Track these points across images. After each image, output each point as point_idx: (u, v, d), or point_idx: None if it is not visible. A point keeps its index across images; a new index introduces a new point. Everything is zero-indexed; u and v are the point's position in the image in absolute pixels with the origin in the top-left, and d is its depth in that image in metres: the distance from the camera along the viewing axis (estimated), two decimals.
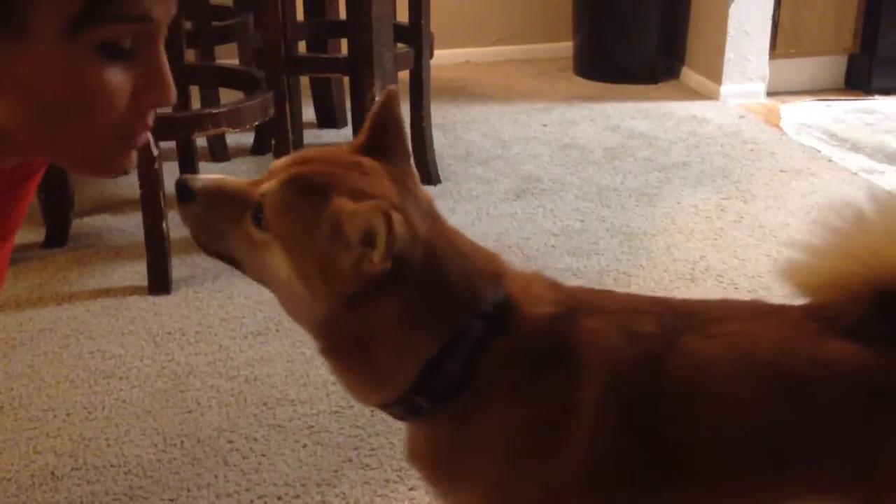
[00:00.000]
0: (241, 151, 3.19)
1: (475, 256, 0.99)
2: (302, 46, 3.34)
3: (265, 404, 1.81)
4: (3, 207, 1.13)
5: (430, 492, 1.04)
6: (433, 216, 0.99)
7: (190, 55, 3.00)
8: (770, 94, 3.83)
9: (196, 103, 2.99)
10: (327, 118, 3.45)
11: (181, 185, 0.99)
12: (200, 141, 2.96)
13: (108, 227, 2.62)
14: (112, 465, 1.64)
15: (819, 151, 3.20)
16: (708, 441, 0.97)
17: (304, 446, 1.68)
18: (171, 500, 1.55)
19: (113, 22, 0.81)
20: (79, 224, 2.61)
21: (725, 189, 2.87)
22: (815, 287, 1.01)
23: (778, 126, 3.49)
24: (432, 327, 0.94)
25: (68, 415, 1.78)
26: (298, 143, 2.96)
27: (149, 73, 0.87)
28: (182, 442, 1.70)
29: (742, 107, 3.71)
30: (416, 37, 2.83)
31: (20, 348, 2.01)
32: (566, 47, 4.32)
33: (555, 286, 1.02)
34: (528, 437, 0.96)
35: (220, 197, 0.98)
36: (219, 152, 3.09)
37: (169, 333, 2.07)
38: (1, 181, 1.09)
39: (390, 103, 1.02)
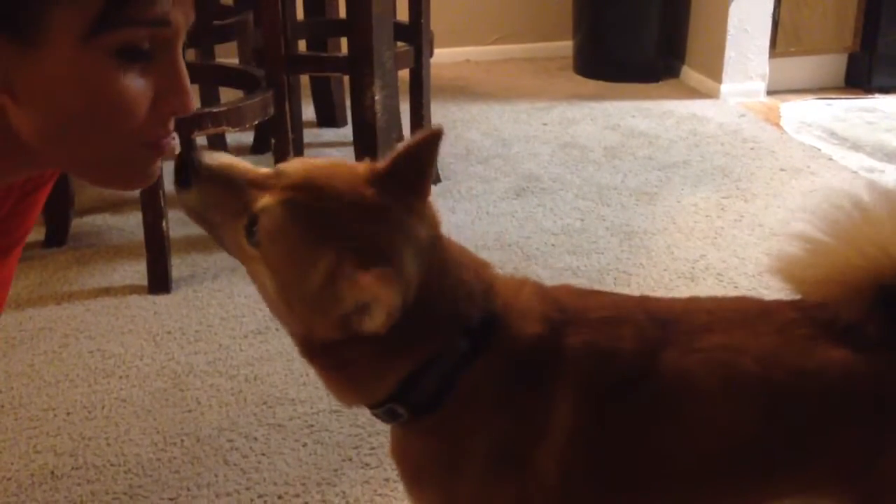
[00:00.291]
0: (241, 150, 3.18)
1: (466, 275, 0.95)
2: (302, 45, 3.34)
3: (265, 403, 1.81)
4: (13, 218, 1.12)
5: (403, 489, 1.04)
6: (431, 245, 0.94)
7: (190, 54, 3.00)
8: (770, 92, 3.83)
9: (196, 102, 2.98)
10: (327, 117, 3.45)
11: (181, 169, 0.93)
12: (200, 140, 2.96)
13: (108, 227, 2.62)
14: (112, 464, 1.64)
15: (819, 150, 3.20)
16: (690, 460, 0.96)
17: (304, 445, 1.68)
18: (171, 499, 1.55)
19: (131, 26, 0.80)
20: (78, 223, 2.61)
21: (726, 188, 2.87)
22: (813, 282, 0.98)
23: (778, 125, 3.49)
24: (412, 349, 0.92)
25: (68, 414, 1.78)
26: (298, 142, 2.95)
27: (167, 79, 0.86)
28: (182, 441, 1.70)
29: (742, 105, 3.71)
30: (416, 35, 2.83)
31: (20, 347, 2.01)
32: (566, 46, 4.32)
33: (543, 296, 0.99)
34: (497, 459, 0.94)
35: (218, 192, 0.93)
36: None
37: (169, 332, 2.07)
38: (12, 193, 1.09)
39: (434, 142, 0.94)
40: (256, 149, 3.17)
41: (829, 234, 0.97)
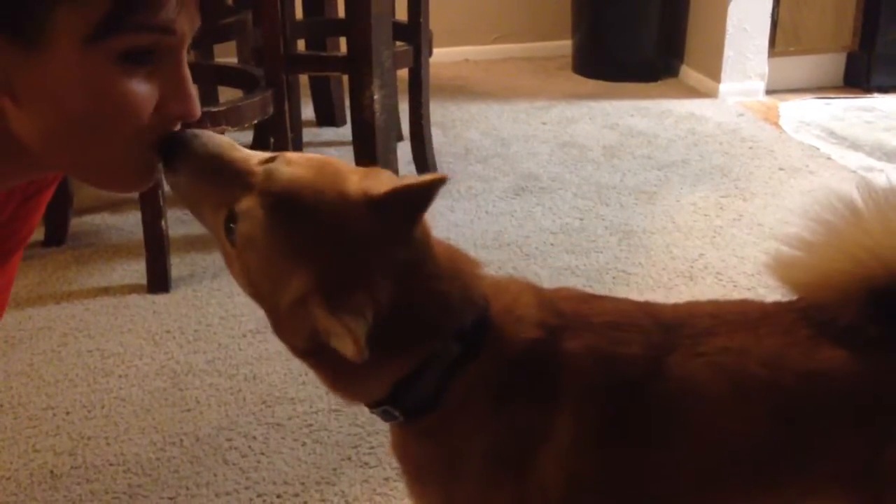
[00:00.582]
0: None
1: (458, 280, 0.94)
2: (301, 45, 3.34)
3: (264, 402, 1.81)
4: (15, 221, 1.12)
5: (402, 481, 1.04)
6: (417, 257, 0.91)
7: (189, 54, 2.99)
8: (769, 92, 3.83)
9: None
10: (326, 116, 3.45)
11: (168, 146, 0.90)
12: None
13: (107, 226, 2.62)
14: (111, 464, 1.64)
15: (818, 149, 3.20)
16: (696, 464, 0.95)
17: (304, 444, 1.68)
18: (171, 499, 1.55)
19: (135, 31, 0.79)
20: (78, 222, 2.61)
21: (724, 187, 2.87)
22: (805, 285, 0.98)
23: (777, 124, 3.49)
24: (402, 355, 0.91)
25: (67, 413, 1.78)
26: (297, 142, 2.95)
27: (171, 85, 0.85)
28: (181, 440, 1.70)
29: (741, 105, 3.71)
30: (415, 35, 2.83)
31: (19, 346, 2.01)
32: (565, 45, 4.32)
33: (541, 301, 0.98)
34: (494, 463, 0.94)
35: (205, 177, 0.90)
36: None
37: (168, 332, 2.07)
38: (14, 196, 1.08)
39: (436, 189, 0.89)
40: (256, 148, 3.16)
41: (821, 238, 0.97)
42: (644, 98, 3.81)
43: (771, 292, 1.04)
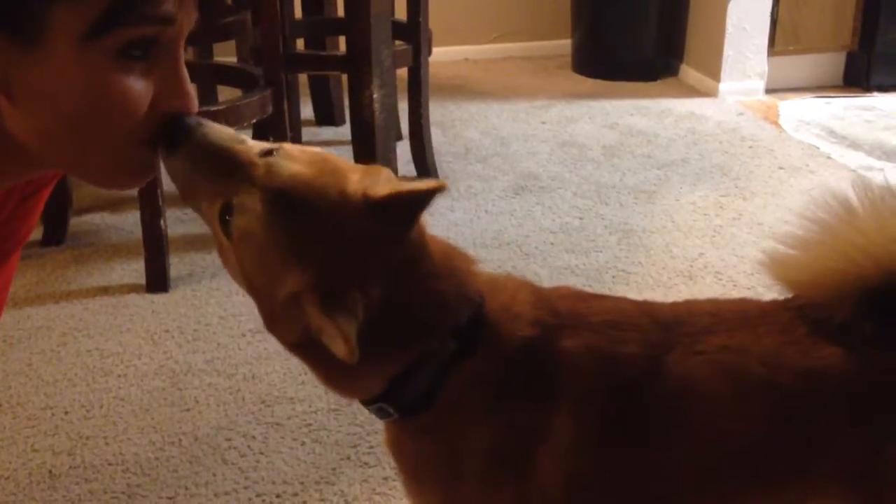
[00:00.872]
0: None
1: (453, 277, 0.93)
2: (300, 44, 3.34)
3: (263, 402, 1.80)
4: (13, 221, 1.12)
5: (399, 479, 1.03)
6: (412, 255, 0.91)
7: (188, 52, 2.99)
8: (769, 91, 3.83)
9: (195, 101, 2.98)
10: (326, 116, 3.45)
11: (170, 131, 0.89)
12: None
13: (106, 225, 2.62)
14: (110, 464, 1.64)
15: (818, 148, 3.20)
16: (695, 464, 0.95)
17: (303, 444, 1.68)
18: (170, 499, 1.55)
19: (135, 24, 0.79)
20: (77, 222, 2.60)
21: (724, 186, 2.87)
22: (800, 283, 0.98)
23: (777, 123, 3.49)
24: (396, 352, 0.91)
25: (66, 413, 1.78)
26: (297, 141, 2.95)
27: (168, 81, 0.85)
28: (180, 440, 1.70)
29: (741, 104, 3.71)
30: (414, 34, 2.83)
31: (18, 346, 2.01)
32: (565, 44, 4.32)
33: (538, 299, 0.97)
34: (491, 462, 0.93)
35: (204, 165, 0.89)
36: None
37: (167, 331, 2.06)
38: (12, 196, 1.08)
39: (435, 195, 0.89)
40: None
41: (815, 236, 0.97)
42: (644, 97, 3.80)
43: (770, 291, 1.04)
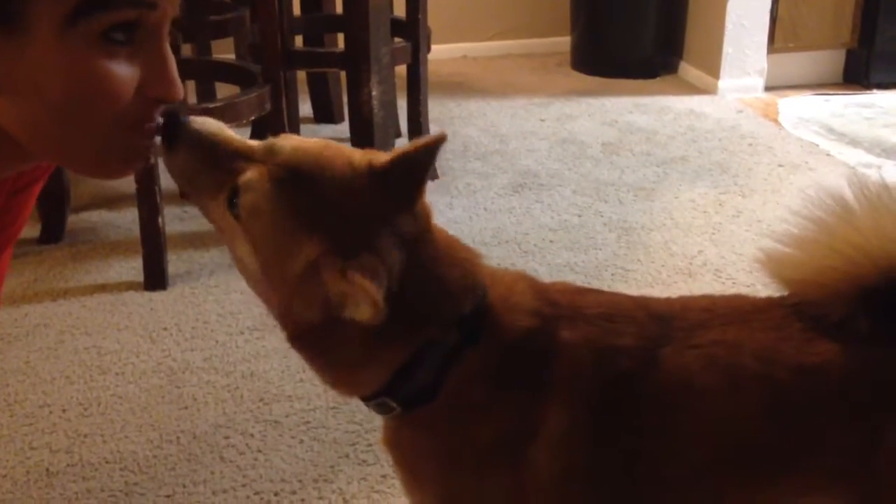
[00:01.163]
0: None
1: (457, 266, 0.94)
2: (298, 41, 3.33)
3: (261, 400, 1.80)
4: (3, 215, 1.11)
5: (396, 477, 1.03)
6: (419, 240, 0.92)
7: (186, 49, 2.99)
8: (768, 88, 3.82)
9: (192, 98, 2.99)
10: (324, 113, 3.44)
11: (169, 129, 0.90)
12: None
13: (104, 223, 2.62)
14: (108, 462, 1.63)
15: (817, 146, 3.20)
16: (689, 456, 0.95)
17: (301, 442, 1.68)
18: (168, 497, 1.55)
19: (116, 8, 0.78)
20: (75, 219, 2.60)
21: (723, 184, 2.87)
22: (797, 281, 0.98)
23: (776, 120, 3.49)
24: (401, 340, 0.91)
25: (64, 411, 1.77)
26: None
27: (153, 66, 0.85)
28: (178, 438, 1.70)
29: (740, 101, 3.70)
30: (413, 31, 2.82)
31: (15, 344, 2.01)
32: (564, 42, 4.31)
33: (537, 291, 0.98)
34: (491, 453, 0.94)
35: (204, 157, 0.91)
36: None
37: (165, 329, 2.06)
38: (2, 190, 1.07)
39: (436, 148, 0.91)
40: None
41: (812, 235, 0.97)
42: (643, 95, 3.80)
43: (769, 289, 1.04)
